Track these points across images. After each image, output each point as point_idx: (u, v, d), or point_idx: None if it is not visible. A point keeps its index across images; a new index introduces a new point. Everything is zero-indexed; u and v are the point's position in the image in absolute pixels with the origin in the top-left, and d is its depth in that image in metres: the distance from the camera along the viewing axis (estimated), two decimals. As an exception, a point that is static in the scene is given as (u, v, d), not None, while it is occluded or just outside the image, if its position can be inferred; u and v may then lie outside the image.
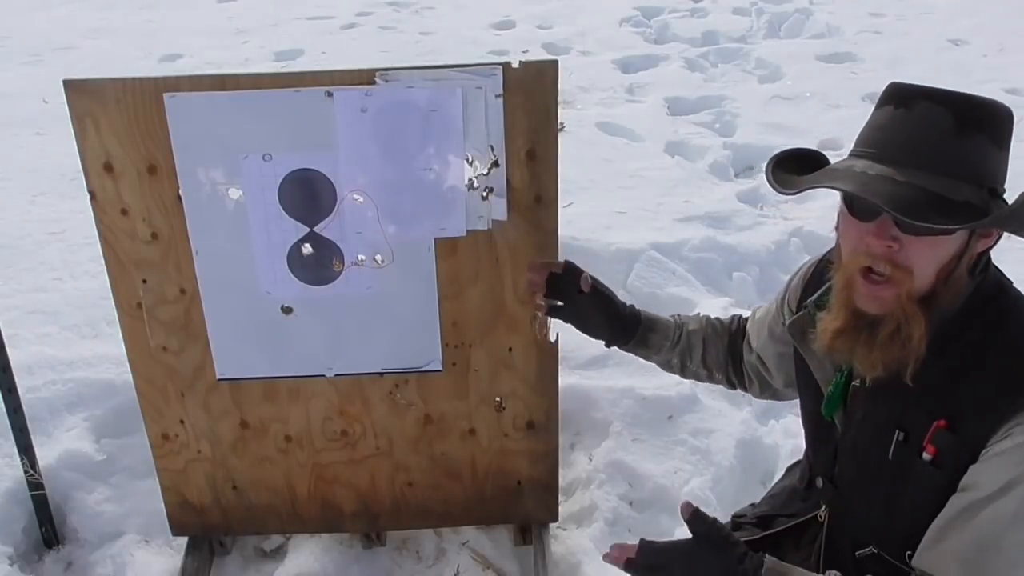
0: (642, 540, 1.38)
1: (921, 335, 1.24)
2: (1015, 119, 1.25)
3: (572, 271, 1.71)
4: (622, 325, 1.71)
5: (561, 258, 1.79)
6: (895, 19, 7.27)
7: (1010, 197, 1.23)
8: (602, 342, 1.75)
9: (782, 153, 1.39)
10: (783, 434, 2.72)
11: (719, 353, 1.74)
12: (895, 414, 1.33)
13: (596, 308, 1.70)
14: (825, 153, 1.40)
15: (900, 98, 1.24)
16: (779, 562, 1.33)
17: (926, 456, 1.28)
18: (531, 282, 1.74)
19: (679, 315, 1.79)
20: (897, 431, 1.32)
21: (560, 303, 1.72)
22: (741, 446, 2.64)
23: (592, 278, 1.70)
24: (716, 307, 3.11)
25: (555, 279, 1.71)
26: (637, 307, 1.76)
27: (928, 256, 1.22)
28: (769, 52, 6.50)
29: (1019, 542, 1.21)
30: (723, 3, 7.75)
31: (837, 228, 1.33)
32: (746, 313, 1.79)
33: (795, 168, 1.36)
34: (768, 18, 7.32)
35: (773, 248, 3.68)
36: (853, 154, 1.28)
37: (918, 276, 1.23)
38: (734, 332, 1.75)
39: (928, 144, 1.19)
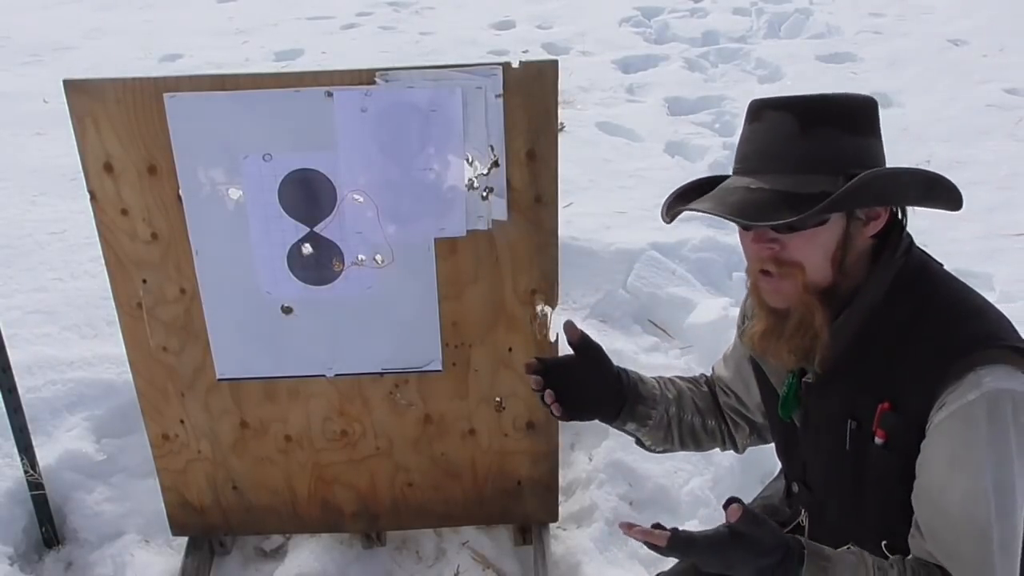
0: (674, 531, 1.25)
1: (822, 323, 1.31)
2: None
3: (559, 362, 1.58)
4: (617, 378, 1.59)
5: (561, 258, 1.77)
6: (895, 19, 7.26)
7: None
8: (596, 418, 1.60)
9: (684, 186, 1.45)
10: (783, 434, 2.71)
11: (704, 398, 1.70)
12: (846, 404, 1.35)
13: (592, 367, 1.57)
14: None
15: (753, 112, 1.32)
16: (817, 553, 1.26)
17: (878, 441, 1.30)
18: (537, 382, 1.56)
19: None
20: (849, 420, 1.34)
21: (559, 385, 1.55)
22: (741, 446, 2.64)
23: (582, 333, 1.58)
24: (716, 307, 3.11)
25: (548, 371, 1.55)
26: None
27: (810, 248, 1.28)
28: (769, 52, 6.50)
29: (1013, 485, 1.20)
30: (723, 3, 7.74)
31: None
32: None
33: (696, 196, 1.40)
34: (768, 18, 7.32)
35: (773, 248, 3.68)
36: (732, 172, 1.36)
37: (810, 268, 1.29)
38: (708, 379, 1.74)
39: (776, 148, 1.28)
